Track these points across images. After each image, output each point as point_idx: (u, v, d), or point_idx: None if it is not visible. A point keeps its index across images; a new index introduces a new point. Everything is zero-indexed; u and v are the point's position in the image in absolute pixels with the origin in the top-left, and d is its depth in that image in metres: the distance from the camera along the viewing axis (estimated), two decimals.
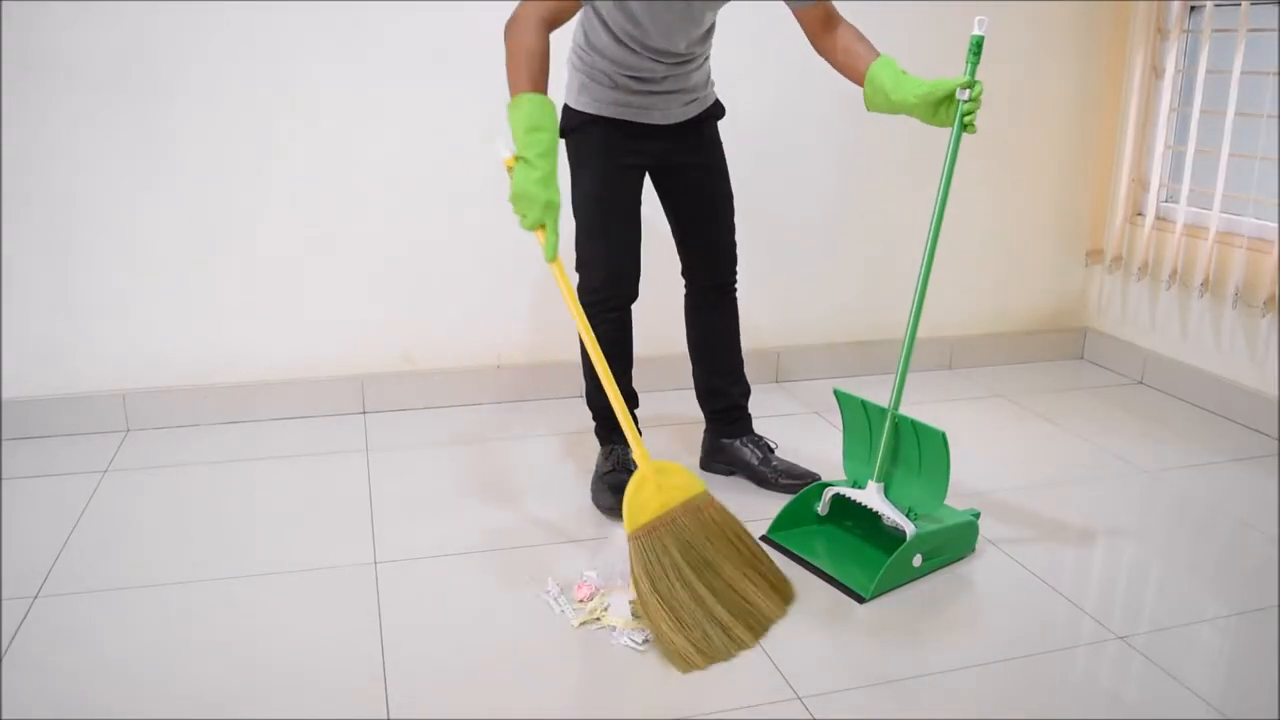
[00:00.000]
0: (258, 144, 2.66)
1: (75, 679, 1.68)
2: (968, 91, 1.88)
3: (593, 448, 2.50)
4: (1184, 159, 3.00)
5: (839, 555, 2.08)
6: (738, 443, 2.43)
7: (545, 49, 1.82)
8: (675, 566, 1.79)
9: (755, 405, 2.49)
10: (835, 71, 2.05)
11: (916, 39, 2.98)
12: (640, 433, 2.39)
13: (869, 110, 1.99)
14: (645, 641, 1.77)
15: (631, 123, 2.13)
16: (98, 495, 2.36)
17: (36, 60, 2.47)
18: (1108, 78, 3.26)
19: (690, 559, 1.81)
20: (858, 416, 2.14)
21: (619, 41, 2.03)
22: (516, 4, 1.88)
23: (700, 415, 2.53)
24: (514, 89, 1.81)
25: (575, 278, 2.25)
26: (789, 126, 2.91)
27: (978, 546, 2.14)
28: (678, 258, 2.36)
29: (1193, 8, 3.02)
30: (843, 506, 2.19)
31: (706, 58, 2.17)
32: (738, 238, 2.34)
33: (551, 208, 1.78)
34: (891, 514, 2.03)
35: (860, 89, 1.98)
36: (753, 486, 2.41)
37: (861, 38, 2.01)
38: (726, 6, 2.07)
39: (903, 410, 2.04)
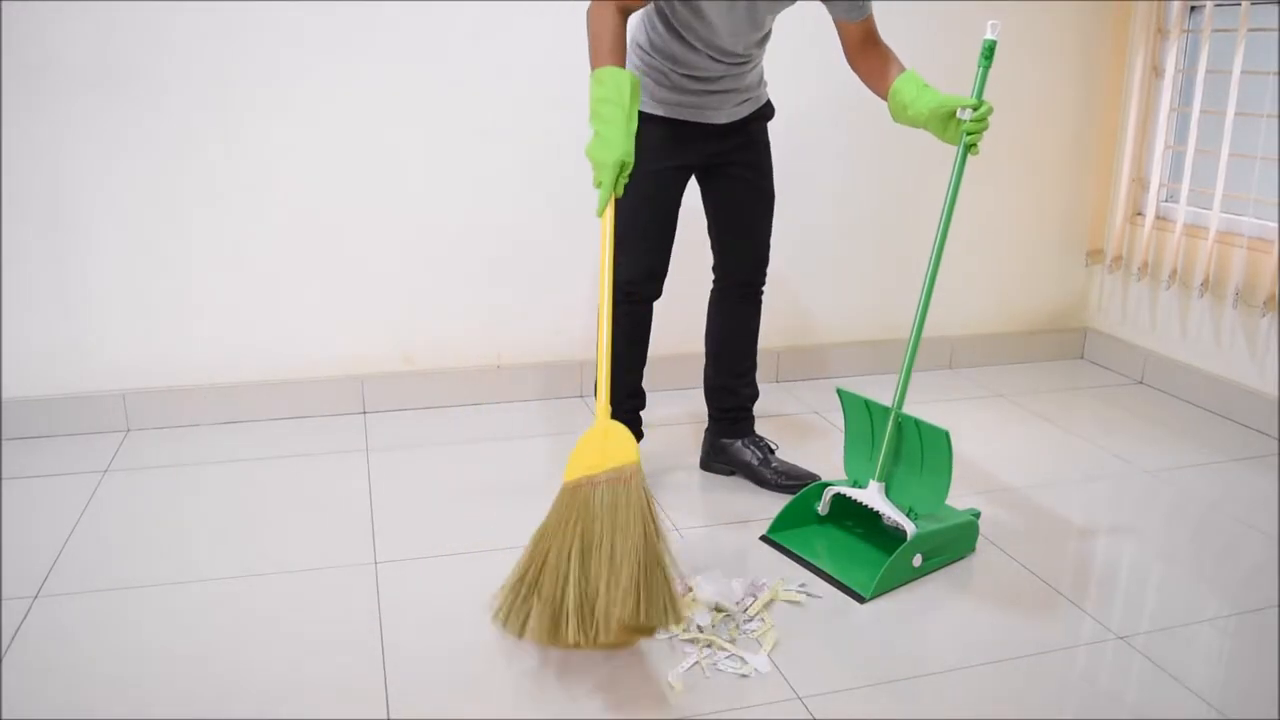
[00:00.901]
0: (258, 144, 2.66)
1: (75, 679, 1.68)
2: (970, 112, 1.89)
3: None
4: (1184, 159, 3.00)
5: (839, 555, 2.08)
6: (739, 443, 2.44)
7: (621, 28, 1.91)
8: (566, 531, 1.69)
9: (756, 405, 2.49)
10: (863, 84, 2.10)
11: (917, 39, 2.98)
12: (643, 434, 2.41)
13: (895, 121, 2.04)
14: (743, 664, 1.72)
15: (685, 123, 2.16)
16: (98, 495, 2.36)
17: (36, 60, 2.47)
18: (1108, 78, 3.26)
19: (587, 528, 1.68)
20: (860, 416, 2.14)
21: (682, 40, 2.06)
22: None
23: (701, 416, 2.53)
24: (595, 64, 1.90)
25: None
26: (794, 128, 2.90)
27: (977, 546, 2.14)
28: (692, 259, 2.37)
29: (1193, 8, 3.02)
30: (843, 506, 2.19)
31: (761, 58, 2.19)
32: None
33: (606, 167, 1.83)
34: (892, 513, 2.03)
35: (885, 103, 2.04)
36: (753, 487, 2.41)
37: (895, 58, 2.06)
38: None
39: (903, 410, 2.04)
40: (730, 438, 2.45)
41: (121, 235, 2.63)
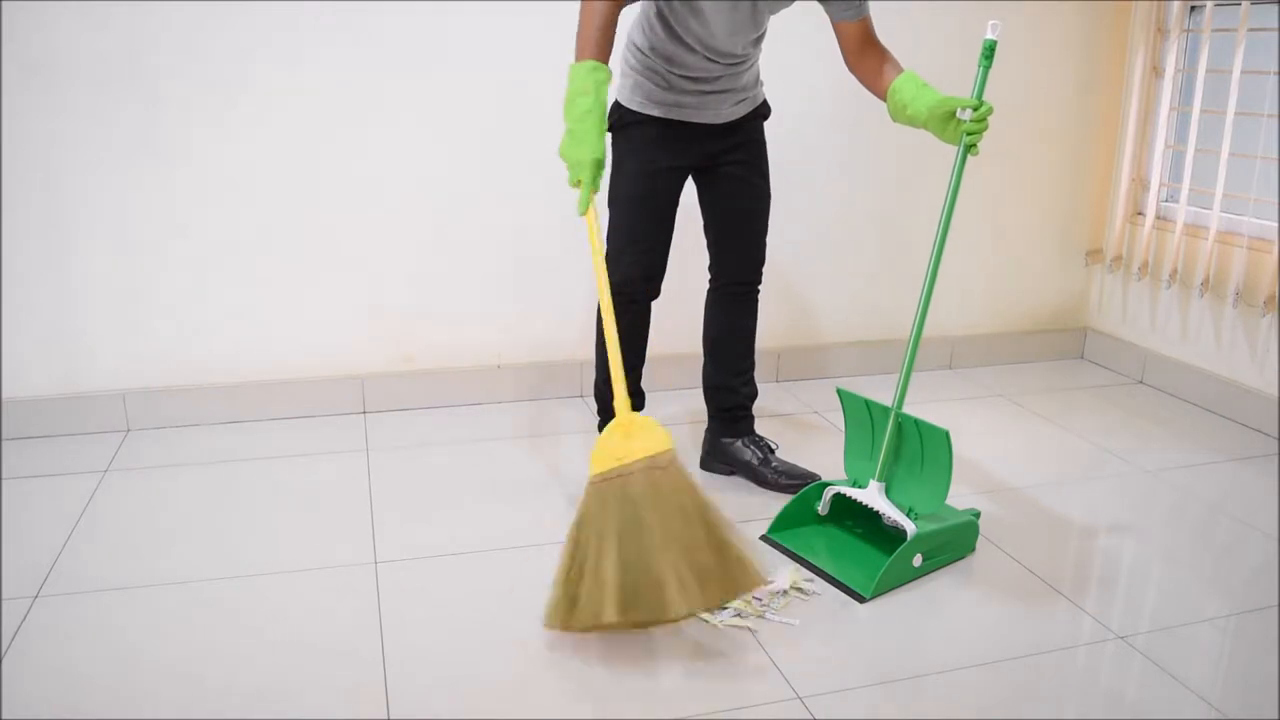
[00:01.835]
0: (258, 144, 2.66)
1: (75, 679, 1.68)
2: (970, 112, 1.89)
3: (592, 448, 2.49)
4: (1184, 158, 3.00)
5: (839, 555, 2.08)
6: (739, 443, 2.44)
7: (610, 21, 1.90)
8: (605, 523, 1.71)
9: (756, 405, 2.49)
10: (862, 86, 2.10)
11: (919, 39, 2.98)
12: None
13: (893, 121, 2.04)
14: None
15: (682, 123, 2.16)
16: (98, 495, 2.36)
17: (36, 60, 2.47)
18: (1108, 77, 3.26)
19: (626, 518, 1.70)
20: (860, 415, 2.14)
21: (679, 40, 2.06)
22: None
23: (701, 415, 2.53)
24: (577, 55, 1.89)
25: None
26: (794, 128, 2.90)
27: (977, 546, 2.14)
28: (690, 259, 2.37)
29: (1193, 7, 3.02)
30: (843, 506, 2.19)
31: (757, 58, 2.19)
32: None
33: (582, 165, 1.84)
34: (892, 513, 2.03)
35: (884, 104, 2.05)
36: (753, 486, 2.41)
37: (893, 58, 2.06)
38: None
39: (903, 410, 2.04)
40: (730, 437, 2.45)
41: (121, 235, 2.63)
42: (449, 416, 2.89)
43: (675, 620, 1.75)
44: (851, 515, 2.20)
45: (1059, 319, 3.49)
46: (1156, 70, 3.12)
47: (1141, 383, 3.25)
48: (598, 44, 1.88)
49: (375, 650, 1.76)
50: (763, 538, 2.14)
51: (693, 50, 2.06)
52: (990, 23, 1.91)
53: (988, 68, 1.92)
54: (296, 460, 2.58)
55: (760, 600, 1.89)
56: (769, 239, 2.35)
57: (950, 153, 2.01)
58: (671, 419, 2.82)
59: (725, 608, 1.85)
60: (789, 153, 2.86)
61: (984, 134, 1.92)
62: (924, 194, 3.16)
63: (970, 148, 1.93)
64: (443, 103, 2.74)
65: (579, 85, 1.86)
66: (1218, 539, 2.23)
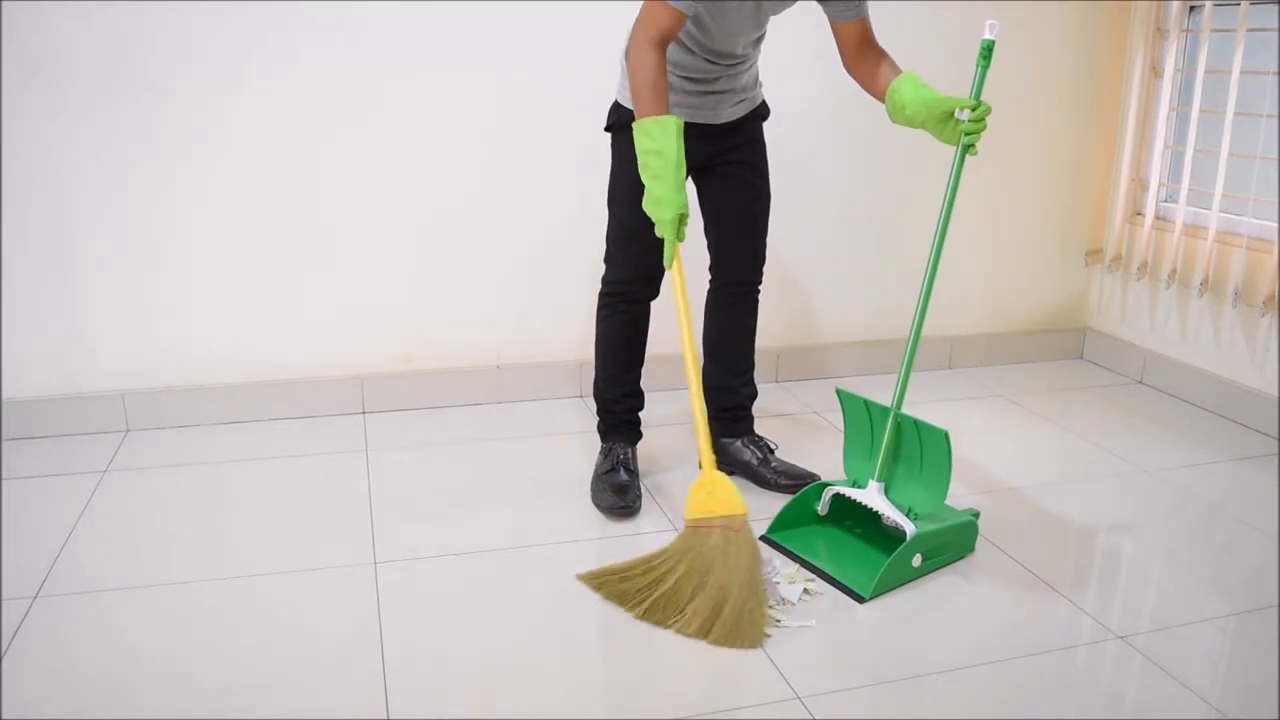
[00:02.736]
0: (257, 144, 2.66)
1: (75, 679, 1.68)
2: (968, 112, 1.90)
3: (592, 448, 2.50)
4: (1183, 158, 3.00)
5: (839, 555, 2.08)
6: (738, 443, 2.44)
7: (662, 67, 1.95)
8: (685, 564, 1.89)
9: (756, 405, 2.49)
10: (860, 87, 2.12)
11: (920, 39, 2.98)
12: (641, 435, 2.41)
13: (892, 121, 2.04)
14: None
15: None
16: (97, 495, 2.36)
17: (36, 60, 2.47)
18: (1107, 77, 3.26)
19: (698, 567, 1.88)
20: (860, 416, 2.14)
21: (679, 41, 2.06)
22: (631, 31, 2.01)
23: None
24: (638, 112, 1.95)
25: (602, 269, 2.29)
26: (794, 129, 2.91)
27: (977, 546, 2.14)
28: (690, 259, 2.36)
29: (1192, 7, 3.02)
30: (843, 506, 2.19)
31: (756, 58, 2.19)
32: None
33: (664, 225, 1.94)
34: (891, 513, 2.03)
35: (882, 105, 2.06)
36: (752, 486, 2.41)
37: (891, 61, 2.07)
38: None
39: (902, 410, 2.04)
40: (730, 437, 2.45)
41: (120, 235, 2.63)
42: (448, 417, 2.89)
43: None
44: (851, 515, 2.20)
45: (1058, 319, 3.49)
46: (1156, 70, 3.13)
47: (1141, 383, 3.25)
48: (657, 94, 1.92)
49: (375, 650, 1.76)
50: (762, 538, 2.14)
51: (692, 51, 2.06)
52: (988, 23, 1.91)
53: (986, 68, 1.92)
54: (296, 460, 2.58)
55: (774, 607, 1.90)
56: (769, 239, 2.35)
57: (950, 152, 2.01)
58: (670, 419, 2.83)
59: None
60: (789, 153, 2.87)
61: (982, 134, 1.93)
62: (924, 194, 3.16)
63: (969, 147, 1.93)
64: (443, 103, 2.74)
65: (651, 143, 1.91)
66: (1217, 539, 2.23)
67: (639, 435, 2.42)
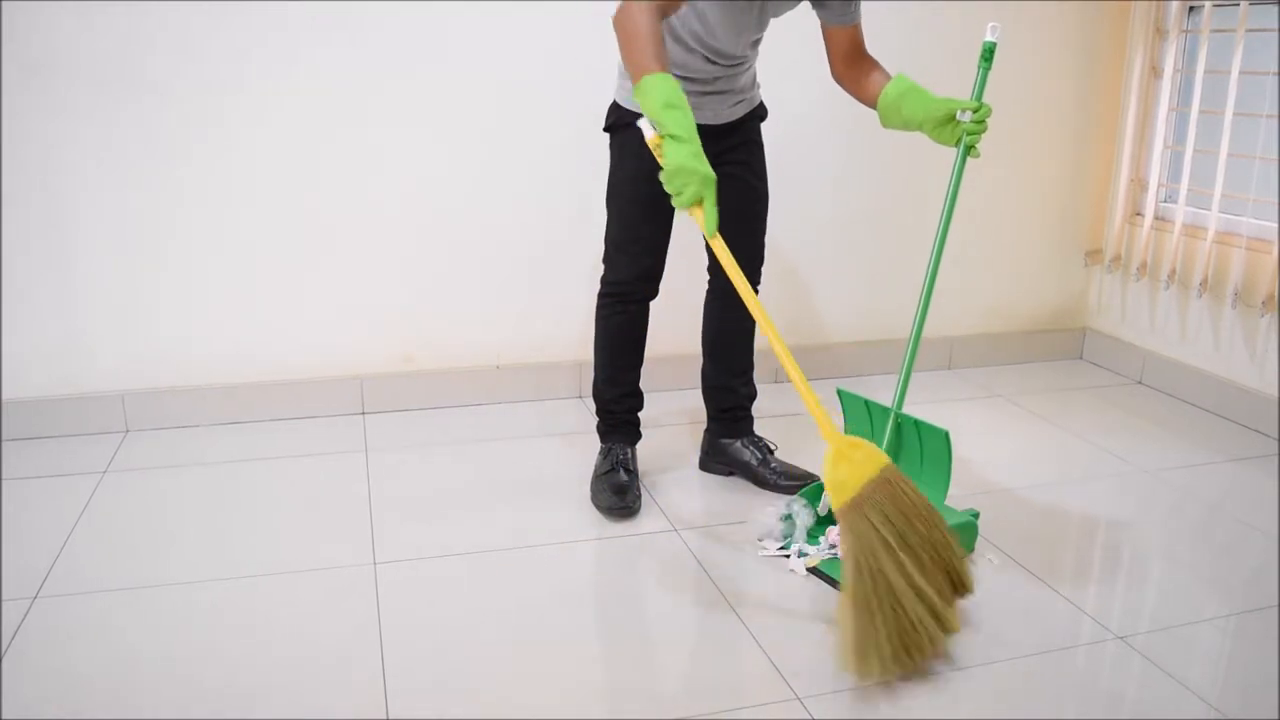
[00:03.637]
0: (256, 144, 2.66)
1: (74, 679, 1.68)
2: (970, 114, 1.90)
3: (592, 449, 2.50)
4: (1183, 159, 3.00)
5: (835, 556, 2.08)
6: (738, 443, 2.44)
7: (660, 32, 1.80)
8: (883, 542, 1.68)
9: (755, 405, 2.49)
10: (849, 94, 2.12)
11: (919, 39, 2.98)
12: (641, 435, 2.41)
13: (884, 126, 2.03)
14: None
15: None
16: (97, 496, 2.36)
17: (36, 60, 2.47)
18: (1107, 78, 3.26)
19: (892, 533, 1.69)
20: (860, 416, 2.14)
21: (679, 41, 2.05)
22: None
23: (700, 416, 2.53)
24: (639, 72, 1.76)
25: (601, 269, 2.29)
26: (793, 130, 2.91)
27: (977, 546, 2.14)
28: (689, 259, 2.37)
29: (1191, 8, 3.02)
30: None
31: (754, 59, 2.19)
32: None
33: (710, 181, 1.73)
34: None
35: (875, 112, 2.05)
36: (752, 487, 2.41)
37: (881, 68, 2.07)
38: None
39: (903, 410, 2.04)
40: (729, 438, 2.45)
41: (120, 236, 2.63)
42: (448, 417, 2.89)
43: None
44: None
45: (1058, 319, 3.49)
46: (1155, 71, 3.13)
47: (1140, 383, 3.25)
48: (658, 54, 1.75)
49: (375, 650, 1.76)
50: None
51: (692, 51, 2.06)
52: (989, 25, 1.91)
53: (987, 69, 1.92)
54: (296, 461, 2.57)
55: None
56: (768, 239, 2.35)
57: (949, 153, 2.01)
58: (670, 419, 2.83)
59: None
60: (788, 154, 2.87)
61: (983, 135, 1.93)
62: (923, 194, 3.16)
63: (970, 149, 1.93)
64: (443, 103, 2.74)
65: (666, 97, 1.71)
66: (1217, 539, 2.23)
67: (639, 436, 2.42)
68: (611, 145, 2.23)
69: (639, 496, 2.31)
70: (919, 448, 2.02)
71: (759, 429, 2.54)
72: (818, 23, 2.11)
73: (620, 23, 1.81)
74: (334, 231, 2.77)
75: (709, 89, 2.13)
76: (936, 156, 2.96)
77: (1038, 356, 3.46)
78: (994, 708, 1.63)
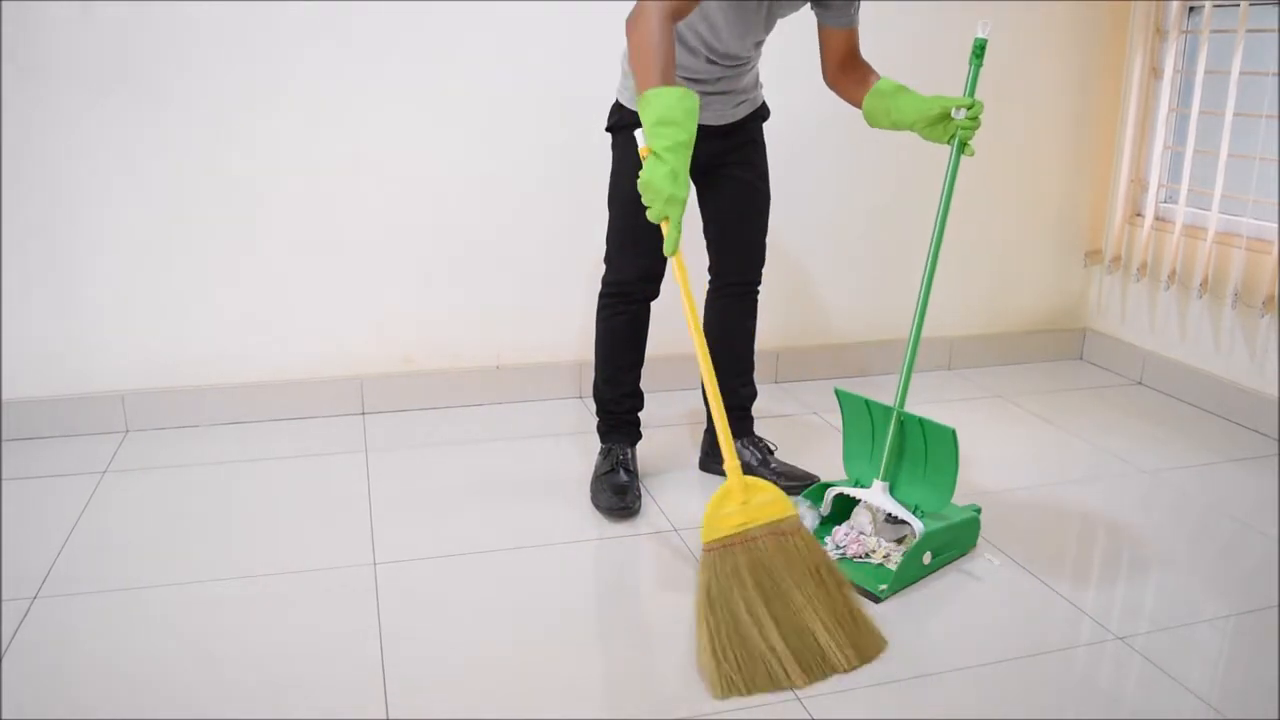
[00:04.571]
0: (256, 145, 2.66)
1: (74, 680, 1.68)
2: (964, 111, 1.90)
3: (592, 449, 2.50)
4: (1183, 159, 3.00)
5: (843, 557, 2.08)
6: (738, 444, 2.43)
7: (672, 42, 1.78)
8: (741, 588, 1.71)
9: (755, 406, 2.49)
10: (840, 98, 2.13)
11: (918, 38, 2.98)
12: (640, 435, 2.41)
13: (871, 126, 2.04)
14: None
15: None
16: (96, 496, 2.36)
17: (35, 60, 2.47)
18: (1107, 78, 3.26)
19: (760, 582, 1.72)
20: (860, 415, 2.14)
21: (683, 42, 2.05)
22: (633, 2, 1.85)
23: (699, 416, 2.53)
24: (644, 84, 1.76)
25: (602, 269, 2.29)
26: (792, 130, 2.91)
27: (978, 546, 2.14)
28: (689, 260, 2.36)
29: (1191, 8, 3.02)
30: (845, 507, 2.19)
31: (757, 60, 2.19)
32: None
33: (674, 202, 1.74)
34: (900, 512, 2.03)
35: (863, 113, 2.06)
36: None
37: (875, 73, 2.07)
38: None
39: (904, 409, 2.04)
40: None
41: (120, 236, 2.63)
42: (448, 417, 2.89)
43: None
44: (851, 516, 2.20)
45: (1058, 320, 3.49)
46: (1155, 71, 3.13)
47: (1140, 383, 3.25)
48: (666, 66, 1.74)
49: (375, 651, 1.76)
50: None
51: (695, 52, 2.06)
52: (980, 21, 1.92)
53: (979, 66, 1.93)
54: (296, 461, 2.58)
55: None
56: (768, 239, 2.35)
57: (949, 152, 2.01)
58: (669, 420, 2.83)
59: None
60: (789, 154, 2.87)
61: (976, 131, 1.93)
62: (923, 194, 3.16)
63: (964, 145, 1.94)
64: (443, 103, 2.74)
65: (667, 113, 1.71)
66: (1217, 540, 2.23)
67: (639, 436, 2.42)
68: (613, 145, 2.23)
69: (639, 497, 2.31)
70: (923, 447, 2.02)
71: (759, 430, 2.54)
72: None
73: (633, 27, 1.81)
74: (334, 232, 2.77)
75: (712, 89, 2.13)
76: (938, 157, 2.96)
77: (1038, 357, 3.46)
78: (994, 708, 1.63)
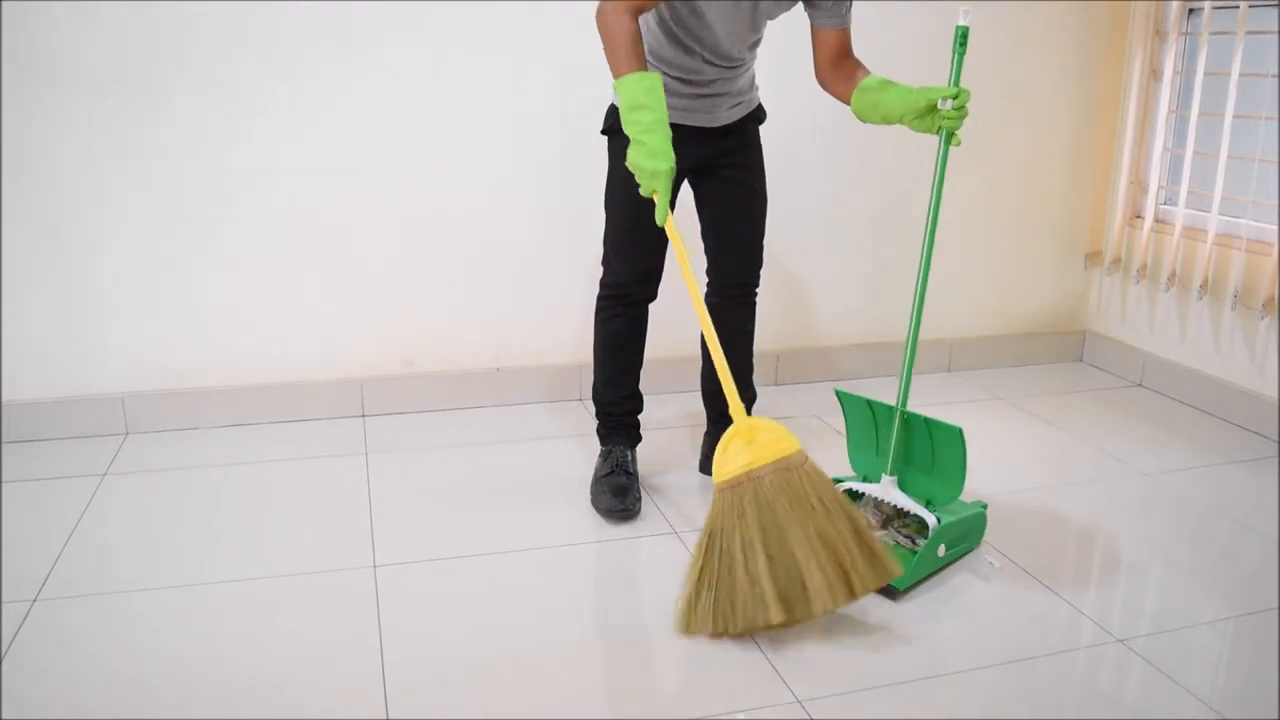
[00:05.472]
0: (256, 146, 2.66)
1: (74, 681, 1.68)
2: (950, 101, 1.91)
3: (591, 451, 2.50)
4: (1183, 161, 3.00)
5: None
6: None
7: (637, 30, 1.89)
8: (743, 527, 1.74)
9: (755, 408, 2.49)
10: (832, 96, 2.15)
11: (918, 38, 2.98)
12: (640, 437, 2.41)
13: (861, 121, 2.05)
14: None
15: (679, 126, 2.13)
16: (96, 498, 2.36)
17: (35, 61, 2.47)
18: (1107, 80, 3.26)
19: (763, 520, 1.74)
20: (863, 414, 2.14)
21: (677, 42, 2.06)
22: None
23: (699, 418, 2.53)
24: (616, 72, 1.88)
25: (600, 272, 2.29)
26: (789, 131, 2.91)
27: (980, 546, 2.14)
28: (694, 256, 2.37)
29: (1191, 10, 3.02)
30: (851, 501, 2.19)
31: (752, 62, 2.19)
32: None
33: (658, 175, 1.84)
34: (911, 506, 2.03)
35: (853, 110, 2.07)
36: None
37: (866, 70, 2.08)
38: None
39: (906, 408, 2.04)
40: None
41: (121, 237, 2.63)
42: (448, 419, 2.88)
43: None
44: None
45: (1058, 321, 3.49)
46: (1155, 73, 3.13)
47: (1140, 385, 3.25)
48: (635, 53, 1.87)
49: (375, 652, 1.76)
50: None
51: (690, 52, 2.06)
52: (962, 9, 1.92)
53: (963, 54, 1.94)
54: (296, 464, 2.57)
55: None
56: (766, 241, 2.35)
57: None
58: (669, 421, 2.83)
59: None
60: (786, 155, 2.87)
61: (964, 120, 1.94)
62: (922, 195, 3.15)
63: (951, 134, 1.94)
64: (442, 105, 2.75)
65: (634, 98, 1.85)
66: (1217, 542, 2.23)
67: (638, 438, 2.42)
68: (609, 148, 2.23)
69: (639, 499, 2.31)
70: (929, 446, 2.02)
71: None
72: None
73: (599, 22, 1.91)
74: (334, 234, 2.77)
75: (708, 91, 2.13)
76: (931, 156, 2.96)
77: (1038, 359, 3.46)
78: (994, 709, 1.63)
